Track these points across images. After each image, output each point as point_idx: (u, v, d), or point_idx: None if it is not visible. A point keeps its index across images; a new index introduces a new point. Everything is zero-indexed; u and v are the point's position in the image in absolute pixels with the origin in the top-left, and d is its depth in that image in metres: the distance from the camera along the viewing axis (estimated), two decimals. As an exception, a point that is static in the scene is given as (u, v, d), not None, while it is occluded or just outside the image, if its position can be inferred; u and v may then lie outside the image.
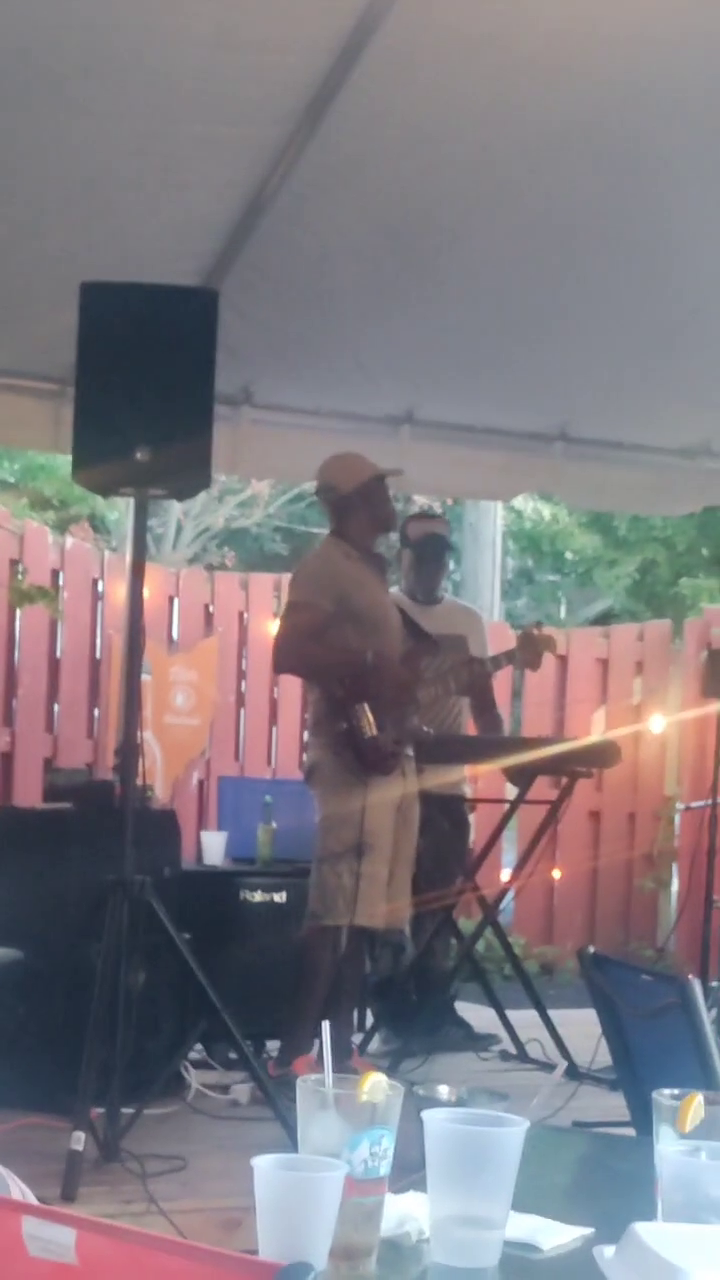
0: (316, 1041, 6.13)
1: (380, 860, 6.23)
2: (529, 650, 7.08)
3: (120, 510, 16.59)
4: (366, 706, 6.21)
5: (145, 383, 5.33)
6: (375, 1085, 1.95)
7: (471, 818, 7.90)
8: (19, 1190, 1.88)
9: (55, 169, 5.76)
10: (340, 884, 6.19)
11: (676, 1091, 2.08)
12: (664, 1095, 2.08)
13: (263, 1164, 1.80)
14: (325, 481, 6.56)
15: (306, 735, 6.88)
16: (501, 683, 8.12)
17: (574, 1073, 6.18)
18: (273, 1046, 6.52)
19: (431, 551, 7.61)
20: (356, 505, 6.46)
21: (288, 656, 6.47)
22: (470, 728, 7.68)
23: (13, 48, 5.09)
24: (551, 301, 6.74)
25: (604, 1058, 5.08)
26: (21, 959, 5.77)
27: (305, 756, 6.62)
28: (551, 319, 6.89)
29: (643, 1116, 2.75)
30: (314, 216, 6.11)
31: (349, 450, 6.63)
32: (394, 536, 7.47)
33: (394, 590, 7.62)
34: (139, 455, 5.30)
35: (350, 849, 6.16)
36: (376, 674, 6.23)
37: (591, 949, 4.34)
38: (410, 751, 6.46)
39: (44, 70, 5.21)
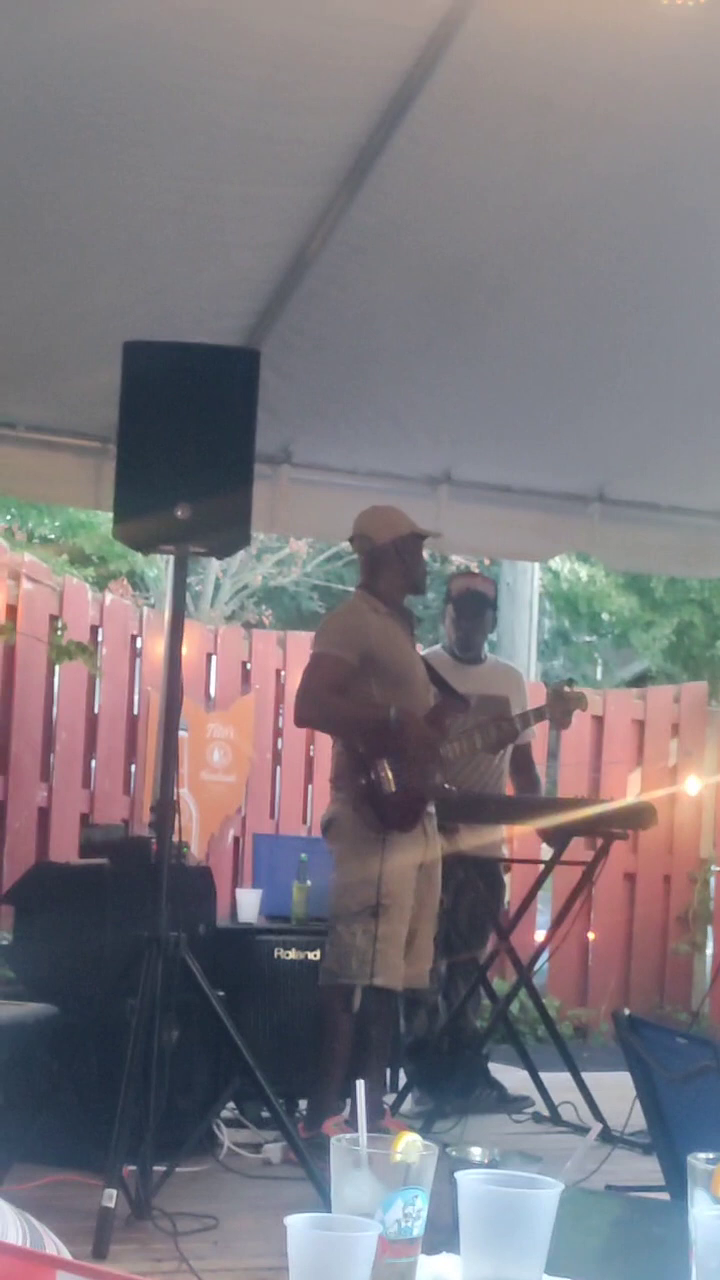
0: (346, 1102, 6.10)
1: (398, 920, 6.16)
2: (559, 708, 7.04)
3: (159, 567, 16.65)
4: (388, 762, 6.16)
5: (186, 441, 5.36)
6: (410, 1145, 1.94)
7: (507, 878, 7.87)
8: (53, 1245, 1.88)
9: (98, 228, 5.81)
10: (354, 944, 6.12)
11: (711, 1155, 2.06)
12: (699, 1159, 2.06)
13: (296, 1223, 1.79)
14: (361, 531, 6.51)
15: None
16: (537, 743, 8.09)
17: (608, 1136, 6.14)
18: (305, 1105, 6.50)
19: (471, 607, 7.60)
20: (389, 559, 6.42)
21: (308, 708, 6.39)
22: (509, 788, 7.66)
23: (57, 107, 5.15)
24: (589, 363, 6.77)
25: (638, 1121, 5.07)
26: (56, 1014, 5.77)
27: (325, 810, 6.57)
28: (589, 380, 6.91)
29: (677, 1180, 2.74)
30: (355, 277, 6.15)
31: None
32: (434, 596, 7.46)
33: (436, 647, 7.64)
34: (179, 513, 5.31)
35: (366, 909, 6.09)
36: (400, 729, 6.16)
37: (626, 1011, 4.34)
38: (431, 809, 6.40)
39: (88, 130, 5.27)
